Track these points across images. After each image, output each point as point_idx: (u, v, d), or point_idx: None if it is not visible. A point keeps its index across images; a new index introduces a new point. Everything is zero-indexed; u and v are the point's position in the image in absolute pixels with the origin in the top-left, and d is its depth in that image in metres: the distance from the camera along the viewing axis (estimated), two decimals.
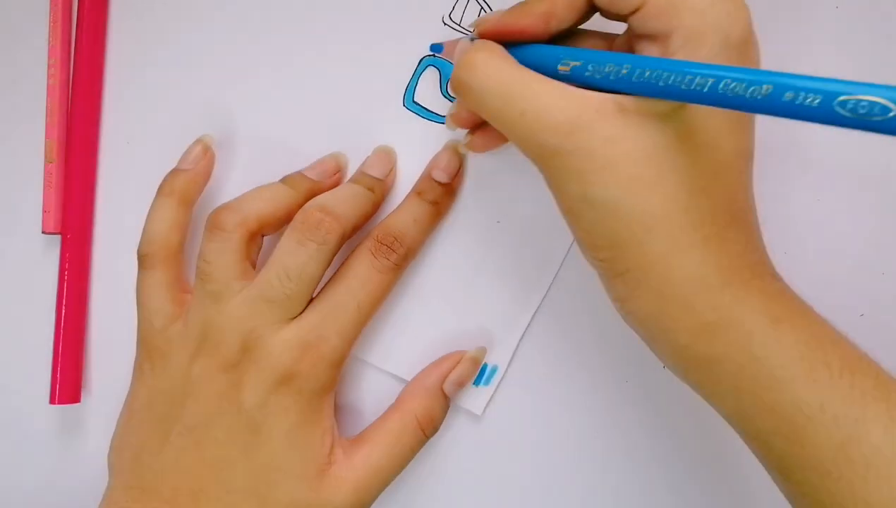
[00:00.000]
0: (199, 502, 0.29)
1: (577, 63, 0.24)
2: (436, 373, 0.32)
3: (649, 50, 0.24)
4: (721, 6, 0.23)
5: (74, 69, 0.35)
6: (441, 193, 0.32)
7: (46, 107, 0.35)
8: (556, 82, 0.24)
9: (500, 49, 0.26)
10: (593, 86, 0.24)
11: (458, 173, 0.32)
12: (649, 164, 0.23)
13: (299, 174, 0.32)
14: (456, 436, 0.33)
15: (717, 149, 0.24)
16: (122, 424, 0.31)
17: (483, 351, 0.32)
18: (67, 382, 0.34)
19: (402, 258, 0.30)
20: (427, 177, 0.32)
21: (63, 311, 0.34)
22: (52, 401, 0.34)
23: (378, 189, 0.32)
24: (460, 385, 0.32)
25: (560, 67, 0.25)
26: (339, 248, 0.29)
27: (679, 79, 0.22)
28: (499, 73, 0.25)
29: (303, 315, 0.29)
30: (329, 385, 0.29)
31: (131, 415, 0.31)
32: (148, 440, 0.30)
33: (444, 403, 0.31)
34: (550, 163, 0.24)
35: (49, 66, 0.35)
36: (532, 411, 0.33)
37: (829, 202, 0.33)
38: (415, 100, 0.33)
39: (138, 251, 0.32)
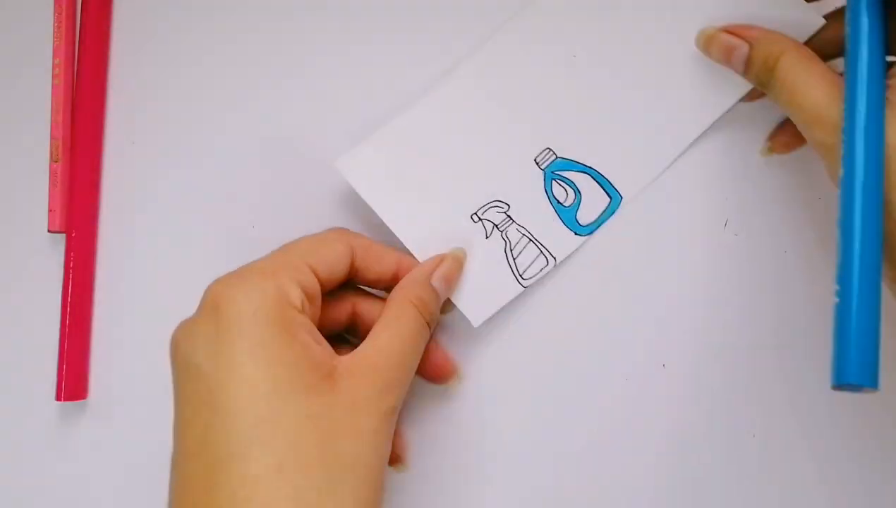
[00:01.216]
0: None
1: None
2: (422, 270, 0.32)
3: None
4: None
5: (78, 69, 0.35)
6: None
7: (51, 106, 0.35)
8: None
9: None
10: None
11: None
12: None
13: None
14: (453, 436, 0.34)
15: None
16: None
17: (462, 250, 0.33)
18: (73, 379, 0.35)
19: None
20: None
21: (68, 309, 0.35)
22: (58, 398, 0.34)
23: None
24: (447, 280, 0.32)
25: None
26: None
27: None
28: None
29: None
30: (269, 302, 0.26)
31: None
32: None
33: (434, 293, 0.31)
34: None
35: (54, 66, 0.35)
36: (531, 409, 0.34)
37: (830, 201, 0.33)
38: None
39: None
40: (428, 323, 0.30)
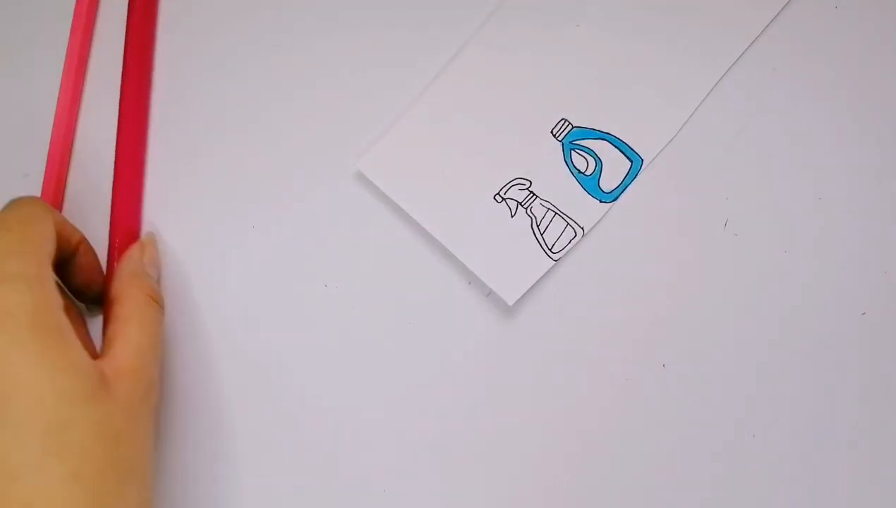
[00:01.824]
0: None
1: None
2: (132, 261, 0.33)
3: None
4: None
5: (123, 74, 0.36)
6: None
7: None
8: None
9: None
10: None
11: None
12: None
13: None
14: (452, 435, 0.34)
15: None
16: None
17: (152, 235, 0.35)
18: None
19: None
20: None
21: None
22: None
23: None
24: (154, 264, 0.33)
25: None
26: None
27: None
28: None
29: None
30: (40, 301, 0.25)
31: None
32: None
33: (152, 280, 0.32)
34: None
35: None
36: (533, 409, 0.33)
37: (830, 201, 0.33)
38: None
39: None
40: (160, 307, 0.31)
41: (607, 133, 0.34)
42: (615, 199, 0.34)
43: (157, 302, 0.31)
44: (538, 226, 0.33)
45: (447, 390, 0.34)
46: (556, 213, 0.34)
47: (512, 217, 0.34)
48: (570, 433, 0.33)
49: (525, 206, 0.34)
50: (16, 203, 0.29)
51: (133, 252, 0.33)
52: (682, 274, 0.33)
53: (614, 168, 0.34)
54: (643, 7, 0.34)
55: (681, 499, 0.33)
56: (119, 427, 0.26)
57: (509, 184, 0.34)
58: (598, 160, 0.34)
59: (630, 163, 0.34)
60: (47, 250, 0.27)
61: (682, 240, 0.33)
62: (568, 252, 0.33)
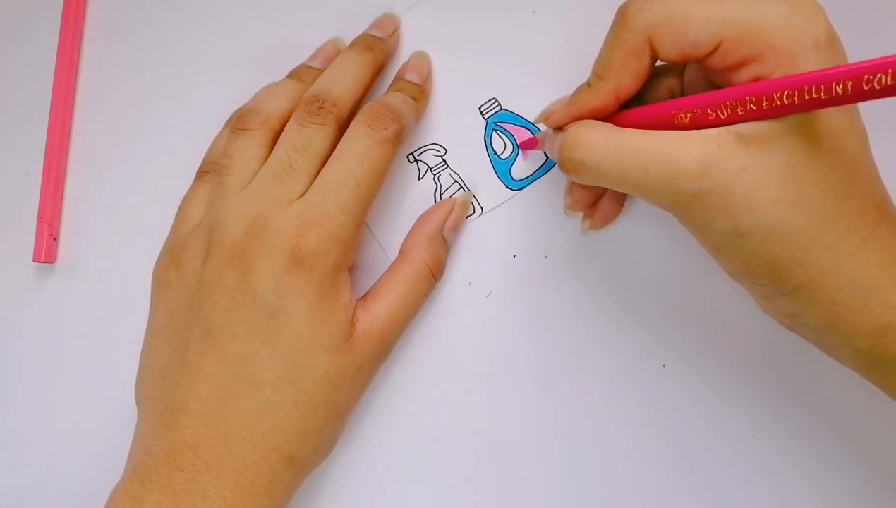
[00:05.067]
0: (228, 406, 0.28)
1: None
2: (434, 222, 0.33)
3: (741, 77, 0.24)
4: (799, 15, 0.24)
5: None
6: (416, 92, 0.33)
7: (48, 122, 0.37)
8: (663, 132, 0.25)
9: (595, 121, 0.27)
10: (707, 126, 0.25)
11: (427, 76, 0.34)
12: (787, 184, 0.24)
13: (304, 66, 0.34)
14: (451, 436, 0.34)
15: (845, 151, 0.25)
16: (144, 350, 0.31)
17: (469, 195, 0.34)
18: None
19: (399, 131, 0.31)
20: (400, 77, 0.34)
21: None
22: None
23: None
24: (455, 229, 0.33)
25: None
26: (342, 125, 0.31)
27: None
28: (607, 142, 0.26)
29: (305, 195, 0.30)
30: (341, 262, 0.30)
31: (152, 338, 0.31)
32: (170, 358, 0.30)
33: (446, 247, 0.33)
34: (691, 207, 0.25)
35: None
36: (533, 409, 0.34)
37: None
38: (513, 176, 0.34)
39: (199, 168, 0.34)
40: (436, 280, 0.33)
41: (532, 123, 0.34)
42: (521, 189, 0.34)
43: (434, 275, 0.32)
44: (441, 195, 0.34)
45: (447, 390, 0.34)
46: (461, 186, 0.34)
47: (419, 179, 0.34)
48: (570, 432, 0.33)
49: (434, 173, 0.34)
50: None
51: (440, 212, 0.33)
52: (682, 273, 0.33)
53: (529, 158, 0.34)
54: (602, 3, 0.33)
55: (681, 499, 0.33)
56: (343, 379, 0.30)
57: (425, 148, 0.34)
58: (515, 146, 0.34)
59: (545, 159, 0.34)
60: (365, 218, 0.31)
61: (682, 240, 0.31)
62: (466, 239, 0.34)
